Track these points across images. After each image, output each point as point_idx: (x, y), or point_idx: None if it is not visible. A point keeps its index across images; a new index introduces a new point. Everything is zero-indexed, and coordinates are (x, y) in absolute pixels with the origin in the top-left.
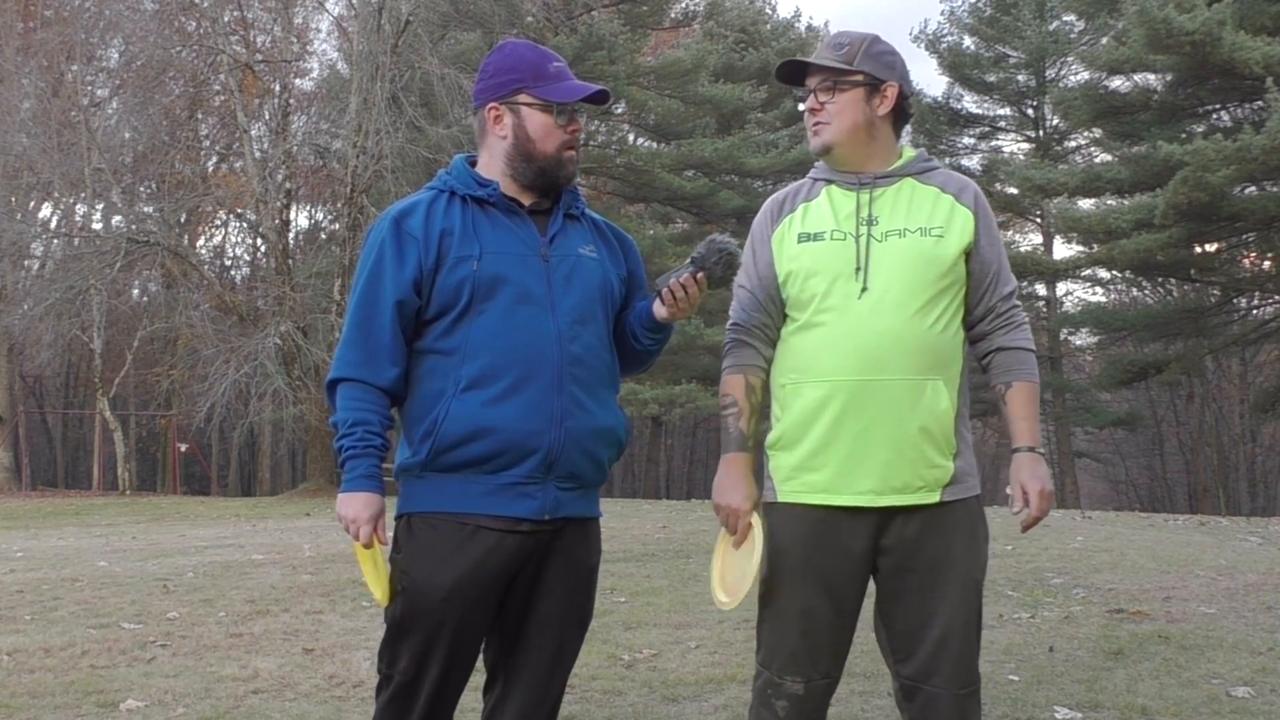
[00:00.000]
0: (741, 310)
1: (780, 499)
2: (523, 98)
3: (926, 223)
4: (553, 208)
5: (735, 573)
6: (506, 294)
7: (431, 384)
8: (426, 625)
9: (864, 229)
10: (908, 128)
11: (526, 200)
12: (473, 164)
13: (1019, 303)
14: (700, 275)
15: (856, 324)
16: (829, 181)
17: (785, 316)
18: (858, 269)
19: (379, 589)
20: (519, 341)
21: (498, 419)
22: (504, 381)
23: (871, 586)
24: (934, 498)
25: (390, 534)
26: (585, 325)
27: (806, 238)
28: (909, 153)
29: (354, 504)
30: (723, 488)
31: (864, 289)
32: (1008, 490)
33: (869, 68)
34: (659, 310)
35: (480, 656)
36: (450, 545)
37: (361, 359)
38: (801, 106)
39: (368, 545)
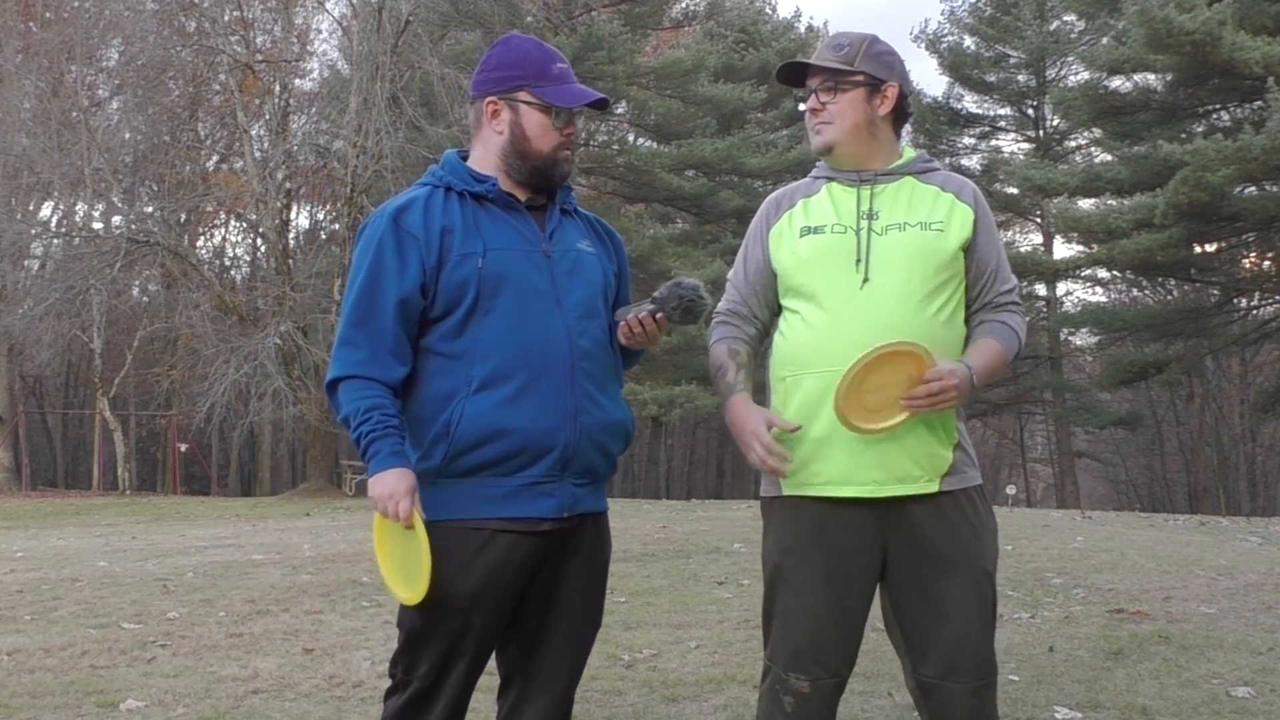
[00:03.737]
0: (725, 300)
1: (784, 493)
2: (523, 96)
3: (927, 217)
4: (548, 203)
5: None
6: (513, 291)
7: (440, 385)
8: (450, 632)
9: (864, 223)
10: (907, 127)
11: (522, 196)
12: (464, 158)
13: (1019, 300)
14: (660, 315)
15: (858, 315)
16: (829, 179)
17: (781, 309)
18: (859, 261)
19: (408, 583)
20: (529, 339)
21: (514, 419)
22: (517, 380)
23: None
24: (933, 487)
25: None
26: (591, 320)
27: (808, 230)
28: (910, 153)
29: (387, 480)
30: (737, 421)
31: (865, 280)
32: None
33: (869, 68)
34: (620, 337)
35: (494, 659)
36: (470, 551)
37: (365, 356)
38: (802, 107)
39: (408, 521)
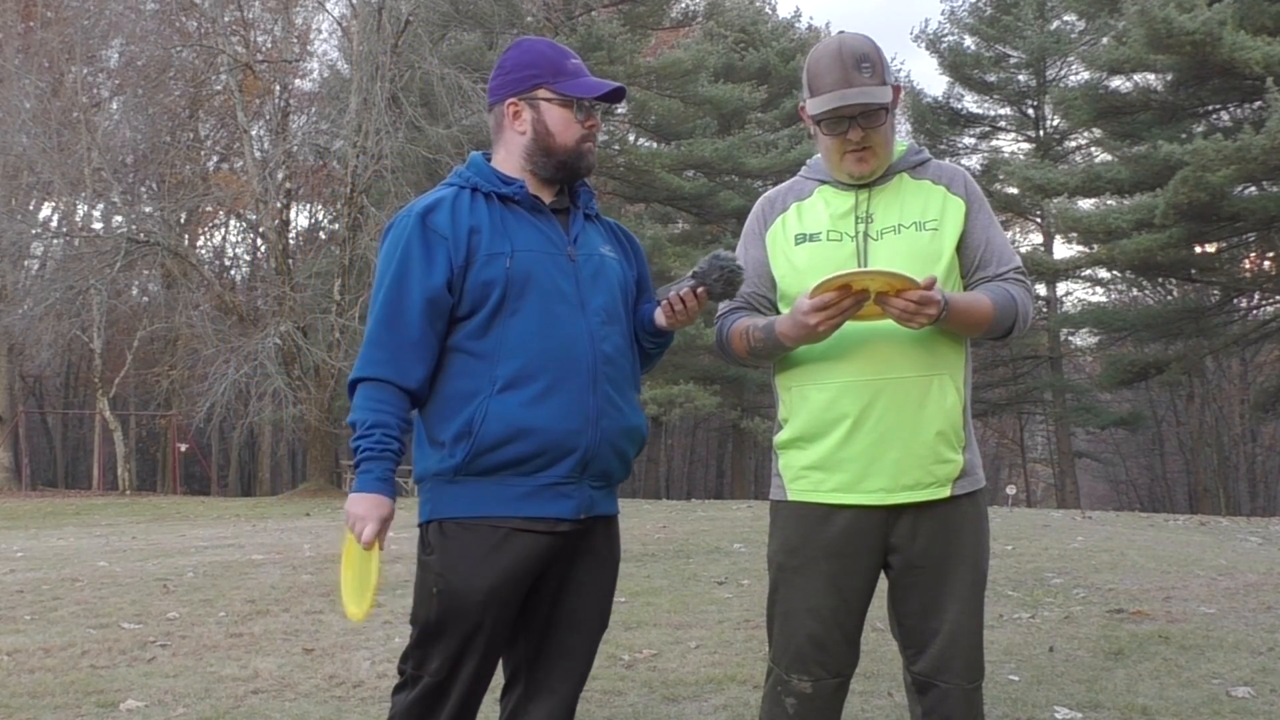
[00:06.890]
0: (724, 303)
1: (790, 498)
2: (542, 93)
3: (921, 216)
4: (571, 208)
5: None
6: (539, 293)
7: (463, 384)
8: (463, 628)
9: (860, 226)
10: (907, 125)
11: (547, 198)
12: (488, 160)
13: (1024, 279)
14: (701, 290)
15: (862, 324)
16: (822, 181)
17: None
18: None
19: (356, 599)
20: (554, 341)
21: (538, 419)
22: (541, 381)
23: (882, 583)
24: (945, 493)
25: (416, 538)
26: (613, 325)
27: (804, 238)
28: (900, 146)
29: (364, 503)
30: (785, 327)
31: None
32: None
33: (890, 79)
34: (659, 318)
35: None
36: (486, 548)
37: (386, 357)
38: (842, 135)
39: (368, 546)
